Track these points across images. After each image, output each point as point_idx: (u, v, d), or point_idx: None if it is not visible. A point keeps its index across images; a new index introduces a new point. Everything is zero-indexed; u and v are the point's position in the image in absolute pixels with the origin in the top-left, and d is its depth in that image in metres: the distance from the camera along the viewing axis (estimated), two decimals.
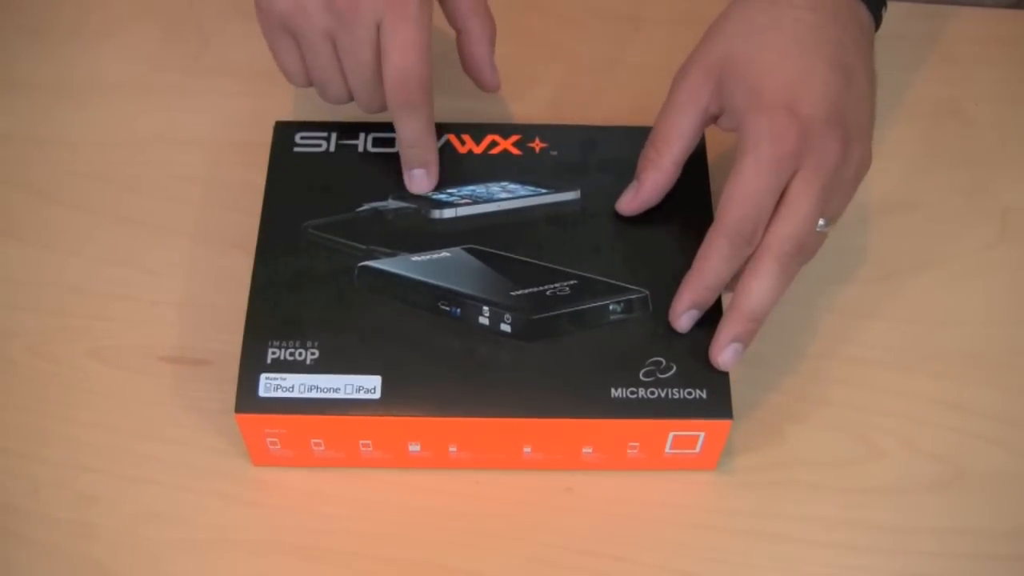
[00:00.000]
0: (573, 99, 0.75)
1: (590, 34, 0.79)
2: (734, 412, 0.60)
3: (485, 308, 0.62)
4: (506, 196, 0.66)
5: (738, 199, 0.58)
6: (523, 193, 0.66)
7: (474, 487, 0.63)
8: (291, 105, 0.74)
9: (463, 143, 0.68)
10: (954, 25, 0.77)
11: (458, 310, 0.62)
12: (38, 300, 0.68)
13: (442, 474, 0.63)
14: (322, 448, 0.62)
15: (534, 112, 0.74)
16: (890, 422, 0.65)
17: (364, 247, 0.64)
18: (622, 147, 0.67)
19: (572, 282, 0.63)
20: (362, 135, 0.68)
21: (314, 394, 0.60)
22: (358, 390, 0.60)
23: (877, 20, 0.65)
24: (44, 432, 0.65)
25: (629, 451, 0.62)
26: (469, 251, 0.65)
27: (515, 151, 0.68)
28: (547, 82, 0.76)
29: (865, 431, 0.65)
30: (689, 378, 0.60)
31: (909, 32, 0.77)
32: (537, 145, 0.68)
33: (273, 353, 0.61)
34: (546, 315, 0.62)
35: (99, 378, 0.66)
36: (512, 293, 0.62)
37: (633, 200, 0.64)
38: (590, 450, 0.62)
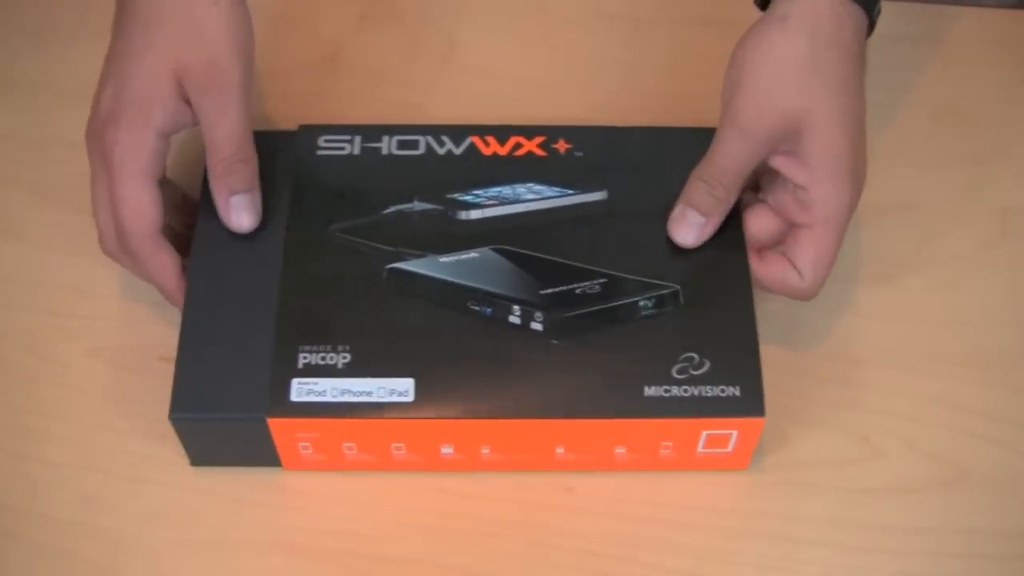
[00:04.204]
0: (590, 101, 0.75)
1: (595, 34, 0.79)
2: None
3: (515, 307, 0.61)
4: (532, 197, 0.66)
5: (824, 264, 0.63)
6: (550, 194, 0.66)
7: (474, 487, 0.63)
8: (283, 105, 0.74)
9: (487, 145, 0.67)
10: (954, 25, 0.77)
11: (489, 310, 0.62)
12: (38, 300, 0.68)
13: (441, 474, 0.63)
14: (354, 452, 0.62)
15: (550, 114, 0.73)
16: (890, 422, 0.65)
17: (392, 249, 0.64)
18: (648, 148, 0.67)
19: (602, 280, 0.63)
20: (386, 138, 0.68)
21: (346, 398, 0.60)
22: (391, 393, 0.60)
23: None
24: (44, 432, 0.65)
25: (662, 451, 0.61)
26: (497, 251, 0.64)
27: (540, 152, 0.67)
28: (564, 84, 0.76)
29: (865, 431, 0.65)
30: (722, 375, 0.60)
31: (909, 32, 0.77)
32: (562, 146, 0.67)
33: (304, 358, 0.60)
34: (577, 312, 0.61)
35: (99, 378, 0.66)
36: (542, 292, 0.62)
37: (699, 236, 0.63)
38: (623, 450, 0.61)
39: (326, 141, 0.68)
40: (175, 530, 0.62)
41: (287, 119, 0.74)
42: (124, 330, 0.67)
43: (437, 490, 0.63)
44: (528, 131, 0.68)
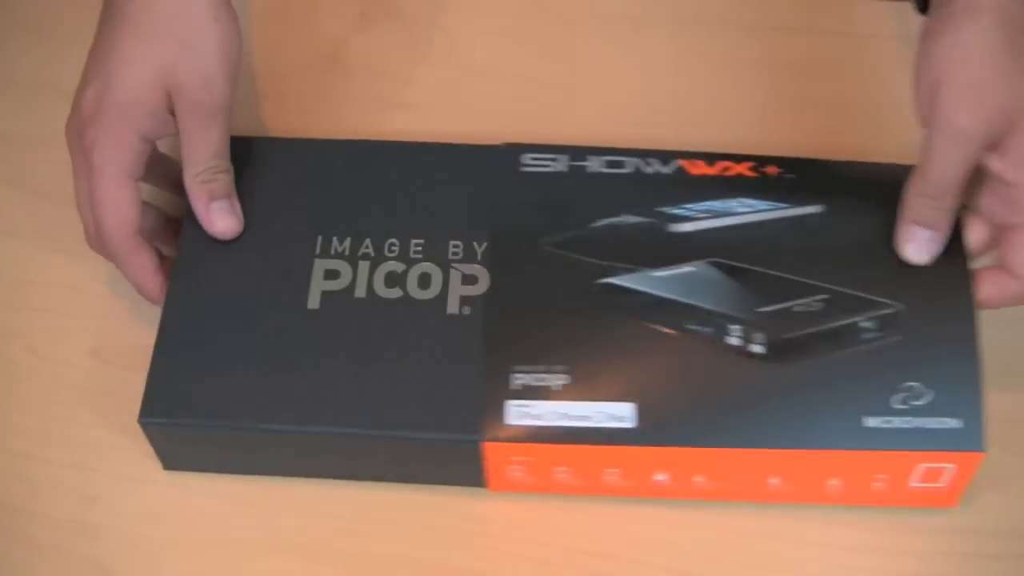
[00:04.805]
0: (592, 102, 0.75)
1: (595, 35, 0.79)
2: None
3: (735, 327, 0.59)
4: (745, 210, 0.64)
5: None
6: (763, 207, 0.64)
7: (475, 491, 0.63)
8: (282, 105, 0.74)
9: (695, 166, 0.66)
10: None
11: (708, 329, 0.60)
12: (38, 300, 0.68)
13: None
14: (566, 476, 0.60)
15: (550, 115, 0.72)
16: None
17: (603, 263, 0.62)
18: (862, 175, 0.65)
19: (823, 296, 0.61)
20: (592, 157, 0.66)
21: (564, 422, 0.58)
22: (610, 418, 0.58)
23: None
24: (44, 432, 0.65)
25: (875, 484, 0.60)
26: (714, 264, 0.62)
27: (750, 174, 0.66)
28: (565, 84, 0.76)
29: None
30: (944, 406, 0.58)
31: (909, 32, 0.76)
32: (772, 170, 0.66)
33: (519, 379, 0.59)
34: (800, 334, 0.59)
35: (99, 378, 0.66)
36: (758, 310, 0.60)
37: (932, 251, 0.61)
38: (836, 482, 0.60)
39: (532, 159, 0.66)
40: (175, 530, 0.62)
41: (286, 119, 0.74)
42: (124, 330, 0.67)
43: (437, 491, 0.63)
44: (736, 156, 0.66)
